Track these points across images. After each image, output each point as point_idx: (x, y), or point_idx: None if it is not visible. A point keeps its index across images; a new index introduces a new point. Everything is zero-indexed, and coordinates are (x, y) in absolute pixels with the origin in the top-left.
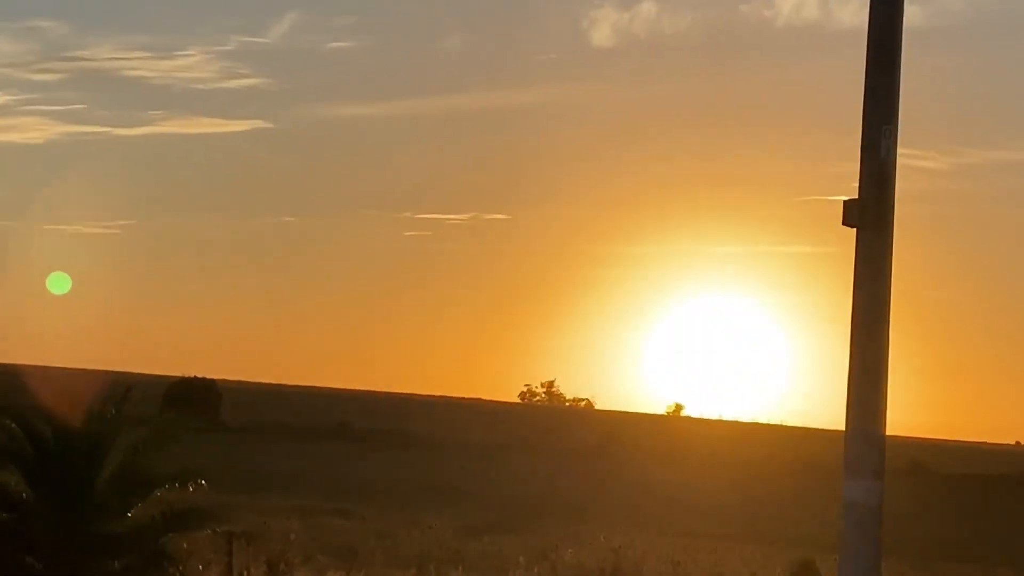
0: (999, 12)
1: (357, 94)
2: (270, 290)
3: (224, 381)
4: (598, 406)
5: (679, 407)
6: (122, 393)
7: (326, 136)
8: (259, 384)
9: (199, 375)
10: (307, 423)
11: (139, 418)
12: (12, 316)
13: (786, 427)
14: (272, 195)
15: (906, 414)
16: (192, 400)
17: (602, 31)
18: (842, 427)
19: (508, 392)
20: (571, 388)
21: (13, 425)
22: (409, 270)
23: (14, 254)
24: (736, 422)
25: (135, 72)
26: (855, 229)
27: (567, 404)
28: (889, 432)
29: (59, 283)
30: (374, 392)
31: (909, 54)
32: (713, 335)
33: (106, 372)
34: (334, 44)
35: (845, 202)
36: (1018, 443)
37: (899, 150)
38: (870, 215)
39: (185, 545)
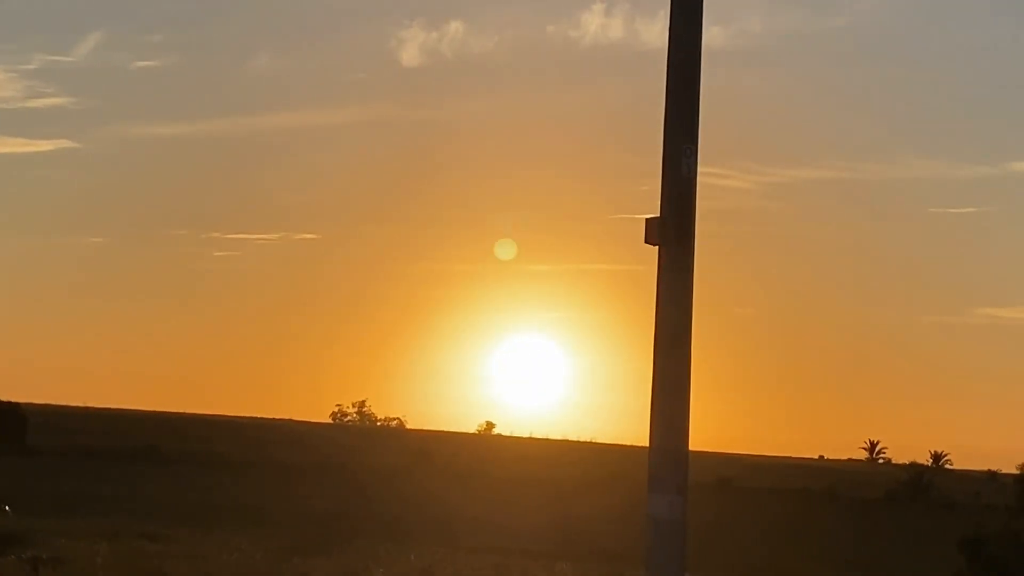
0: (799, 33)
1: (165, 113)
2: (77, 312)
3: (29, 404)
4: (409, 425)
5: (490, 425)
6: None
7: (134, 156)
8: (65, 407)
9: (2, 399)
10: (115, 445)
11: None
12: None
13: (596, 444)
14: (79, 216)
15: (713, 430)
16: None
17: (410, 51)
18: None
19: (319, 413)
20: (383, 408)
21: None
22: (218, 290)
23: None
24: (547, 439)
25: None
26: (657, 247)
27: (379, 424)
28: (694, 448)
29: None
30: (183, 414)
31: (711, 74)
32: (525, 353)
33: None
34: (141, 63)
35: (647, 220)
36: (822, 457)
37: (702, 169)
38: (671, 233)
39: None
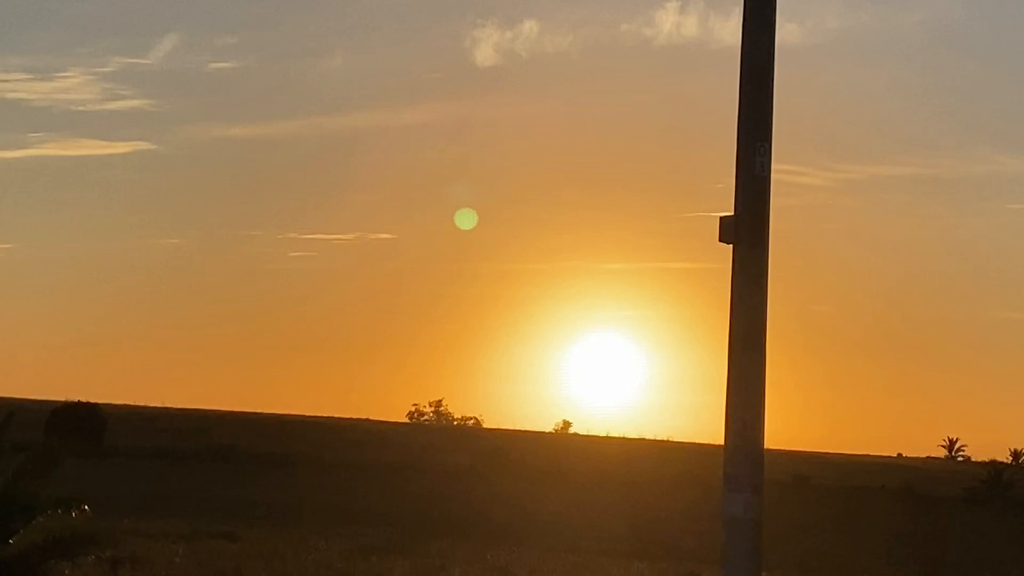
0: (874, 29)
1: (241, 114)
2: (155, 313)
3: (109, 405)
4: (486, 424)
5: (567, 424)
6: (3, 419)
7: (210, 157)
8: (144, 407)
9: (83, 399)
10: (193, 445)
11: (21, 444)
12: None
13: (672, 442)
14: (155, 217)
15: (789, 428)
16: (76, 425)
17: (484, 50)
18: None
19: (396, 412)
20: (459, 407)
21: None
22: (295, 291)
23: None
24: (623, 438)
25: (15, 94)
26: (732, 245)
27: (455, 423)
28: (771, 446)
29: None
30: (260, 414)
31: (787, 72)
32: (601, 352)
33: None
34: (217, 64)
35: (721, 218)
36: (900, 455)
37: (777, 166)
38: (745, 231)
39: (68, 572)
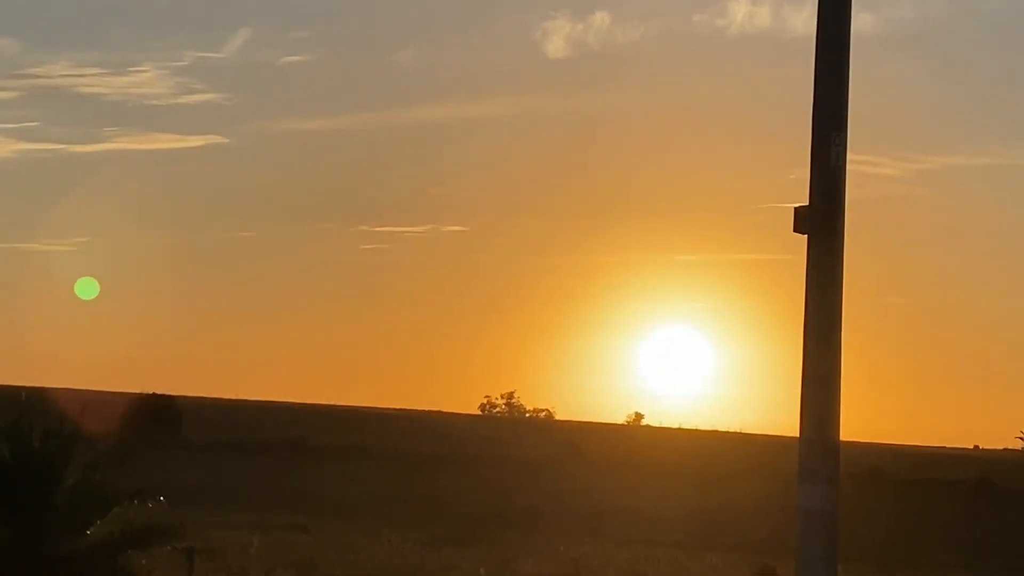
0: (950, 19)
1: (313, 108)
2: (228, 305)
3: (183, 397)
4: (558, 416)
5: (639, 416)
6: (80, 410)
7: (282, 150)
8: (218, 400)
9: (158, 392)
10: (266, 438)
11: (98, 435)
12: None
13: (745, 434)
14: (229, 210)
15: (864, 420)
16: (151, 417)
17: (555, 42)
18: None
19: (468, 404)
20: (531, 399)
21: None
22: (366, 283)
23: None
24: (696, 430)
25: (90, 89)
26: (806, 236)
27: (527, 415)
28: (846, 438)
29: (86, 288)
30: (332, 406)
31: (862, 62)
32: (673, 343)
33: (65, 390)
34: (289, 58)
35: (796, 209)
36: (976, 447)
37: (852, 157)
38: (820, 222)
39: (144, 562)
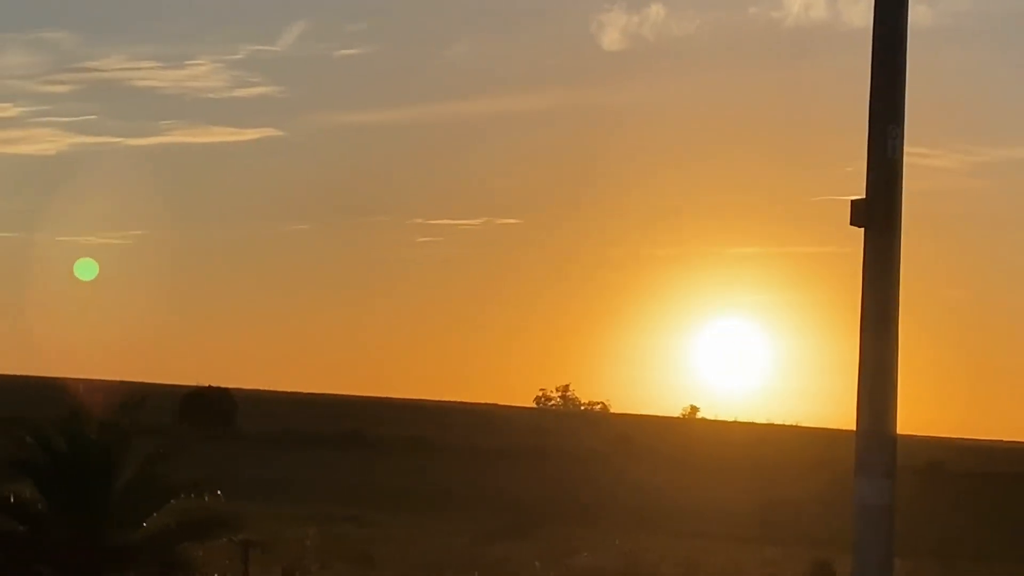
0: (1007, 11)
1: (367, 101)
2: (283, 298)
3: (238, 390)
4: (613, 409)
5: (694, 409)
6: (137, 403)
7: (337, 143)
8: (273, 392)
9: (214, 384)
10: (321, 430)
11: (154, 428)
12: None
13: (801, 427)
14: (284, 203)
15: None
16: (207, 409)
17: (611, 34)
18: (855, 427)
19: (523, 397)
20: (586, 392)
21: (27, 437)
22: (421, 276)
23: (27, 266)
24: (751, 423)
25: (145, 82)
26: (863, 229)
27: (582, 408)
28: (904, 431)
29: (86, 269)
30: (387, 399)
31: (919, 54)
32: (729, 337)
33: (121, 382)
34: (343, 51)
35: (852, 202)
36: None
37: (909, 149)
38: (877, 214)
39: (201, 554)
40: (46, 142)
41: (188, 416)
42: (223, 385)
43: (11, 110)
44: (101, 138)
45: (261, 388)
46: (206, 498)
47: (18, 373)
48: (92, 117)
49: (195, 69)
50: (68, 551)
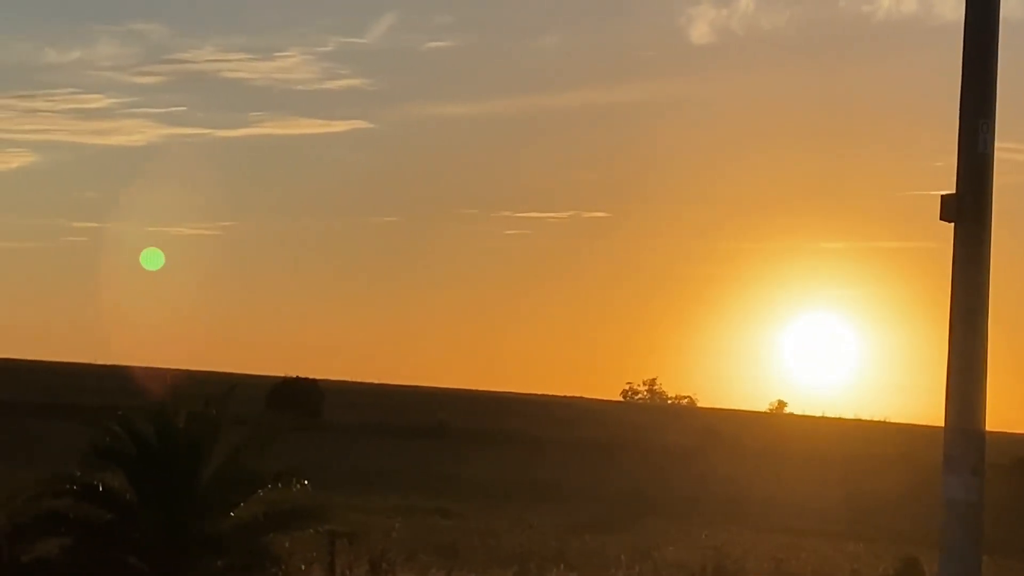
0: None
1: (456, 93)
2: (371, 290)
3: (326, 381)
4: (700, 403)
5: (782, 404)
6: (225, 393)
7: (426, 136)
8: (361, 383)
9: (302, 375)
10: (408, 422)
11: (241, 418)
12: (115, 317)
13: (889, 423)
14: (372, 195)
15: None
16: (295, 400)
17: (700, 28)
18: (943, 423)
19: (610, 390)
20: (673, 385)
21: (116, 426)
22: (509, 269)
23: (116, 256)
24: (839, 419)
25: (235, 74)
26: (953, 224)
27: (669, 401)
28: (992, 428)
29: (152, 259)
30: (474, 391)
31: (1011, 48)
32: (817, 331)
33: (209, 372)
34: (432, 44)
35: (943, 197)
36: None
37: (1000, 144)
38: (968, 209)
39: (287, 544)
40: (136, 133)
41: (276, 406)
42: (311, 376)
43: (102, 101)
44: (190, 129)
45: (348, 379)
46: (293, 489)
47: (106, 363)
48: (182, 108)
49: (284, 61)
50: (156, 540)
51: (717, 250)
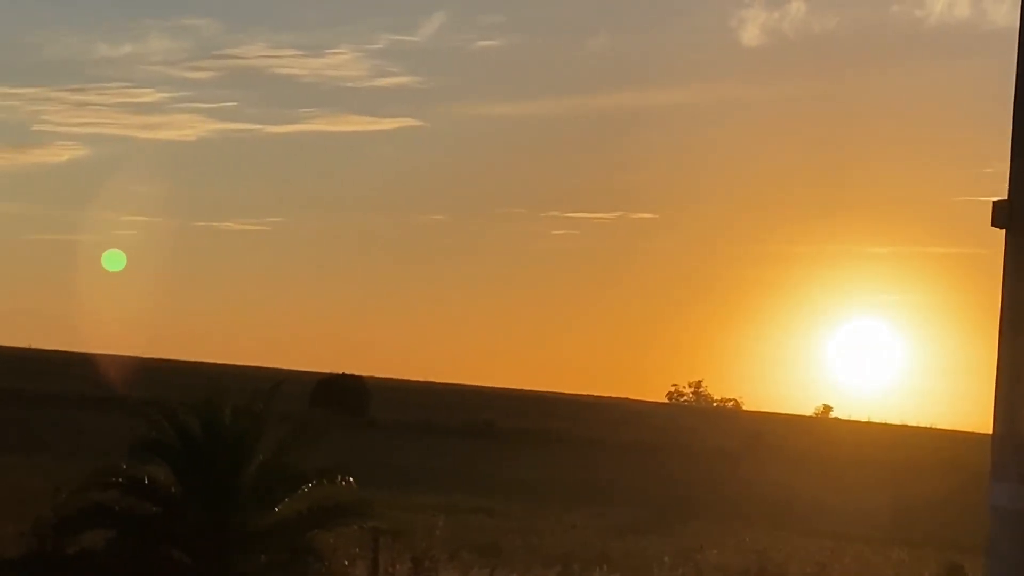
0: None
1: (505, 93)
2: (418, 288)
3: (372, 378)
4: (745, 407)
5: (827, 408)
6: (271, 389)
7: (474, 134)
8: (407, 381)
9: (348, 372)
10: (453, 421)
11: (287, 414)
12: (164, 313)
13: (936, 429)
14: (421, 193)
15: None
16: (341, 397)
17: (751, 31)
18: (991, 430)
19: (655, 392)
20: (719, 388)
21: (163, 420)
22: (556, 269)
23: (166, 251)
24: (885, 424)
25: (286, 70)
26: (1004, 230)
27: (714, 404)
28: None
29: (114, 260)
30: (520, 390)
31: None
32: (863, 336)
33: (256, 368)
34: (482, 43)
35: (994, 203)
36: None
37: None
38: (1020, 215)
39: (331, 540)
40: (186, 128)
41: (321, 403)
42: (357, 373)
43: (152, 95)
44: (240, 125)
45: (394, 377)
46: (337, 485)
47: (154, 356)
48: (232, 104)
49: (335, 58)
50: (200, 534)
51: (764, 254)
